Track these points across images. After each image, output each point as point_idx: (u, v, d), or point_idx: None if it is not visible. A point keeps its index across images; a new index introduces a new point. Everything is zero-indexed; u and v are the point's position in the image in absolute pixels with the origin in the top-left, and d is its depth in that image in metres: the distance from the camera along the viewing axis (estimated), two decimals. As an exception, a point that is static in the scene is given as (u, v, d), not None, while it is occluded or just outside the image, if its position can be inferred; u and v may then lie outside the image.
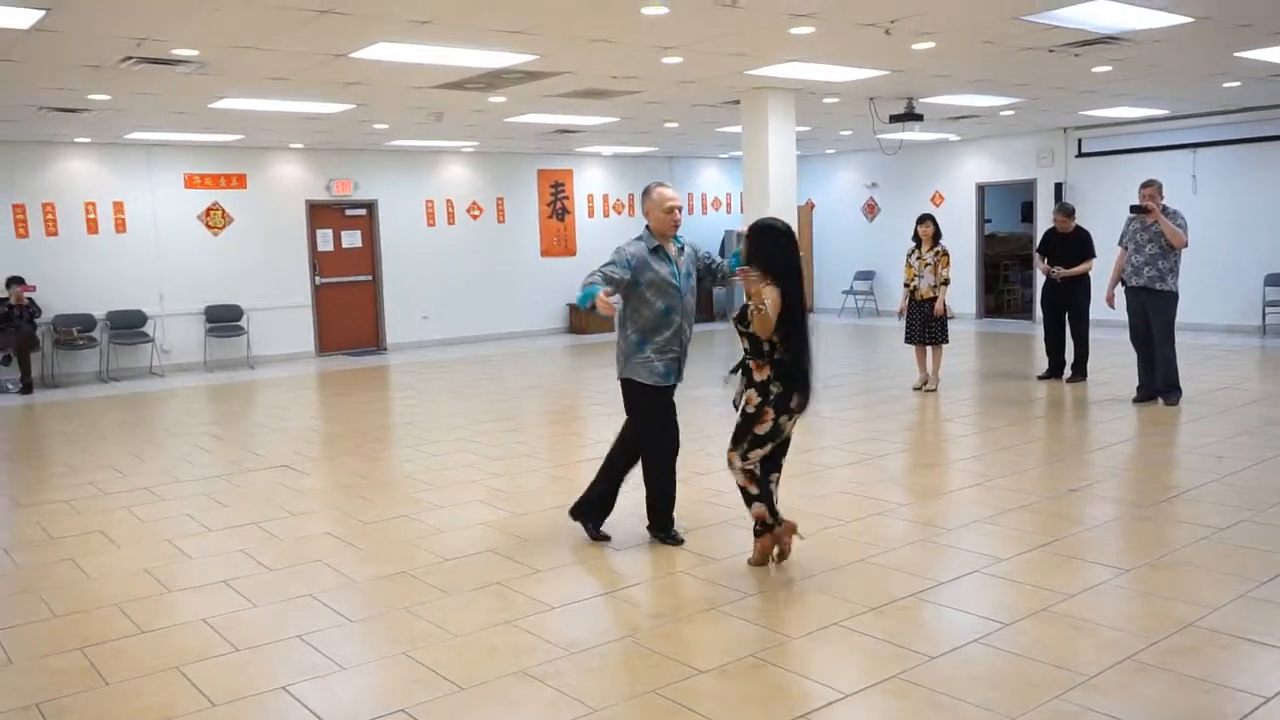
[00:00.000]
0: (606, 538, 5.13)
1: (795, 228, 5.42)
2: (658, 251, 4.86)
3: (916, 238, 9.42)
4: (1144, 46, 8.00)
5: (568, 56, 7.65)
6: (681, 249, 4.98)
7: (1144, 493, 5.84)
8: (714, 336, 14.63)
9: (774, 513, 4.61)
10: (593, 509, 5.19)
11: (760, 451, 4.52)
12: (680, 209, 4.93)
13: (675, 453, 5.04)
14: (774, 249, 4.44)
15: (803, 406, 4.46)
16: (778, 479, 4.69)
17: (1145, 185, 8.30)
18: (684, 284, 4.90)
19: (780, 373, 4.43)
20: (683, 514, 5.50)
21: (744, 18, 6.52)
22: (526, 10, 6.18)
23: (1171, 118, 13.27)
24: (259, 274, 13.55)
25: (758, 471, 4.56)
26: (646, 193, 4.97)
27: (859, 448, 7.14)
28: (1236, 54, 8.52)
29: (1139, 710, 3.21)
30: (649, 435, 5.01)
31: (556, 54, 7.53)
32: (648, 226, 4.95)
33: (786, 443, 4.66)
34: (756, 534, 4.65)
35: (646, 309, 4.85)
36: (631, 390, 4.97)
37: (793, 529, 4.65)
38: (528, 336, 15.85)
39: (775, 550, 4.68)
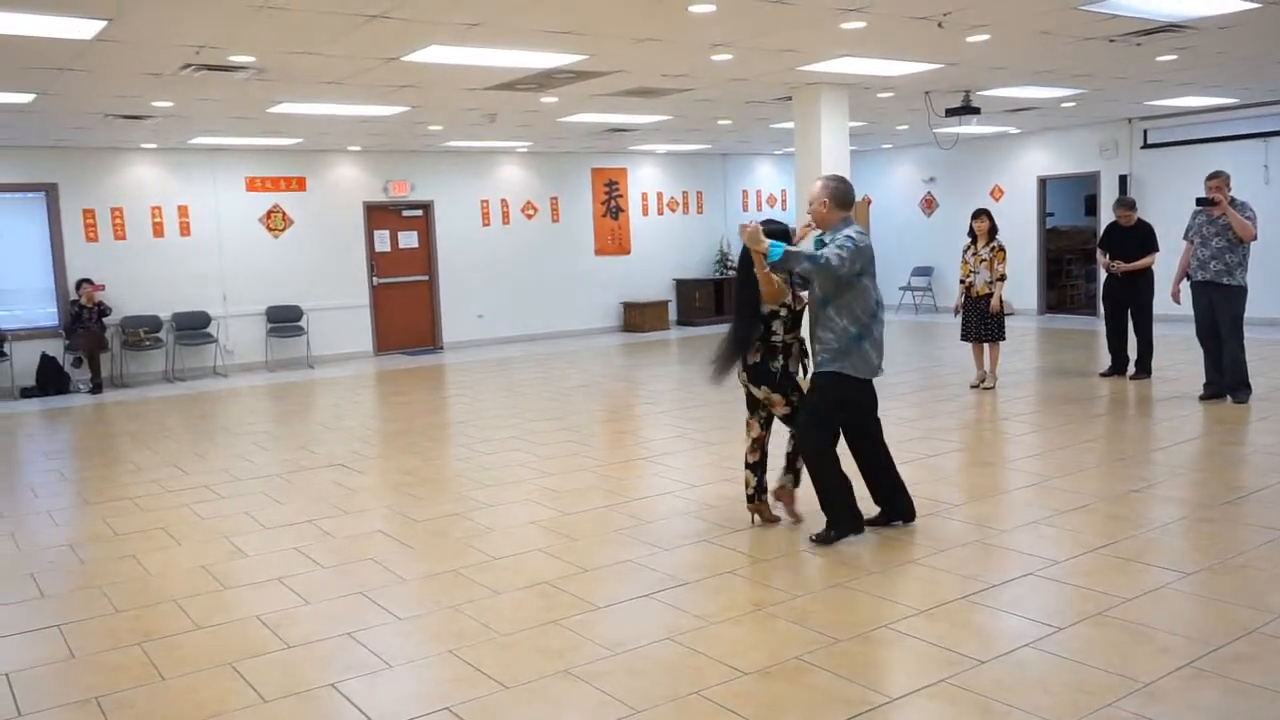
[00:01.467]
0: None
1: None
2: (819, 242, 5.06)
3: (972, 233, 9.27)
4: (1209, 34, 7.77)
5: (617, 56, 7.65)
6: (823, 241, 5.11)
7: (1208, 494, 5.67)
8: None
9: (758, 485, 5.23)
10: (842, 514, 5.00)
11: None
12: (811, 202, 5.13)
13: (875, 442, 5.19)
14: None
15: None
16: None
17: (1212, 177, 8.07)
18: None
19: (785, 352, 5.04)
20: (729, 513, 5.48)
21: (793, 14, 6.46)
22: (575, 11, 6.19)
23: (1241, 106, 12.86)
24: (318, 275, 13.78)
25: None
26: (843, 190, 5.08)
27: (913, 446, 7.04)
28: (1308, 39, 8.24)
29: (1195, 719, 3.12)
30: (822, 426, 4.96)
31: (606, 53, 7.54)
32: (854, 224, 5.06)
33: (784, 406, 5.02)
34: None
35: (866, 300, 4.89)
36: (839, 384, 4.89)
37: (779, 496, 5.24)
38: (582, 335, 15.90)
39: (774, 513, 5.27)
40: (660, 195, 16.99)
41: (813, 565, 4.74)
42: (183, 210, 12.84)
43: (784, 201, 18.19)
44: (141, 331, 12.39)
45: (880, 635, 3.86)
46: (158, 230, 12.69)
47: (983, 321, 9.18)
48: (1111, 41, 7.89)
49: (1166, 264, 9.20)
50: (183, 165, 12.81)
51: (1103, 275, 9.74)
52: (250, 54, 6.98)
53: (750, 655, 3.71)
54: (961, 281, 9.34)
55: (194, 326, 12.87)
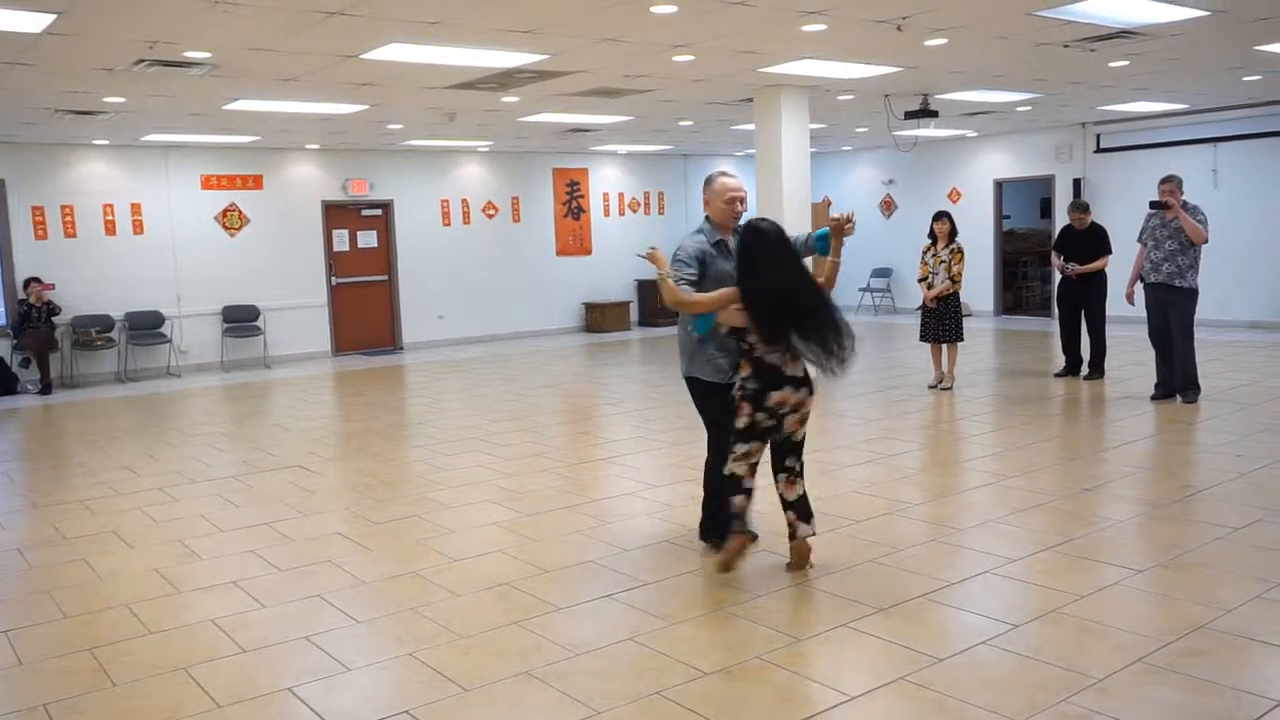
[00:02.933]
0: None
1: (810, 225, 5.23)
2: (720, 246, 4.62)
3: (932, 234, 9.36)
4: (1161, 40, 7.91)
5: (578, 56, 7.63)
6: None
7: (1160, 492, 5.77)
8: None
9: (732, 516, 4.44)
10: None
11: (744, 447, 4.40)
12: (743, 199, 4.65)
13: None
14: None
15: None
16: (785, 480, 4.54)
17: (1165, 181, 8.21)
18: None
19: (757, 368, 4.36)
20: (690, 513, 5.48)
21: (754, 15, 6.49)
22: (536, 10, 6.17)
23: (1192, 112, 13.11)
24: (275, 274, 13.62)
25: (740, 471, 4.41)
26: (708, 182, 4.70)
27: (872, 446, 7.10)
28: (1256, 47, 8.41)
29: (1148, 714, 3.17)
30: (712, 433, 4.75)
31: (567, 53, 7.52)
32: (707, 218, 4.69)
33: (792, 444, 4.52)
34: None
35: None
36: (695, 388, 4.74)
37: (740, 545, 4.45)
38: (544, 335, 15.86)
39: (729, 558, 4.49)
40: (622, 196, 16.99)
41: (771, 565, 4.75)
42: (135, 208, 12.62)
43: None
44: (93, 331, 12.17)
45: (839, 634, 3.88)
46: (110, 228, 12.46)
47: (941, 323, 9.28)
48: (1066, 47, 8.01)
49: (1119, 267, 9.35)
50: (136, 162, 12.59)
51: (1057, 277, 9.88)
52: (205, 50, 6.88)
53: (711, 655, 3.71)
54: (920, 280, 9.43)
55: (147, 326, 12.65)
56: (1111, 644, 3.68)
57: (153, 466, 7.33)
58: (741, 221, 4.64)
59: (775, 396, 4.34)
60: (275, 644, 3.96)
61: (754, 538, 4.54)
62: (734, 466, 4.43)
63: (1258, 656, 3.57)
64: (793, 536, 4.56)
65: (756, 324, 4.30)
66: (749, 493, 4.46)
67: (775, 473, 4.56)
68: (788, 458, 4.54)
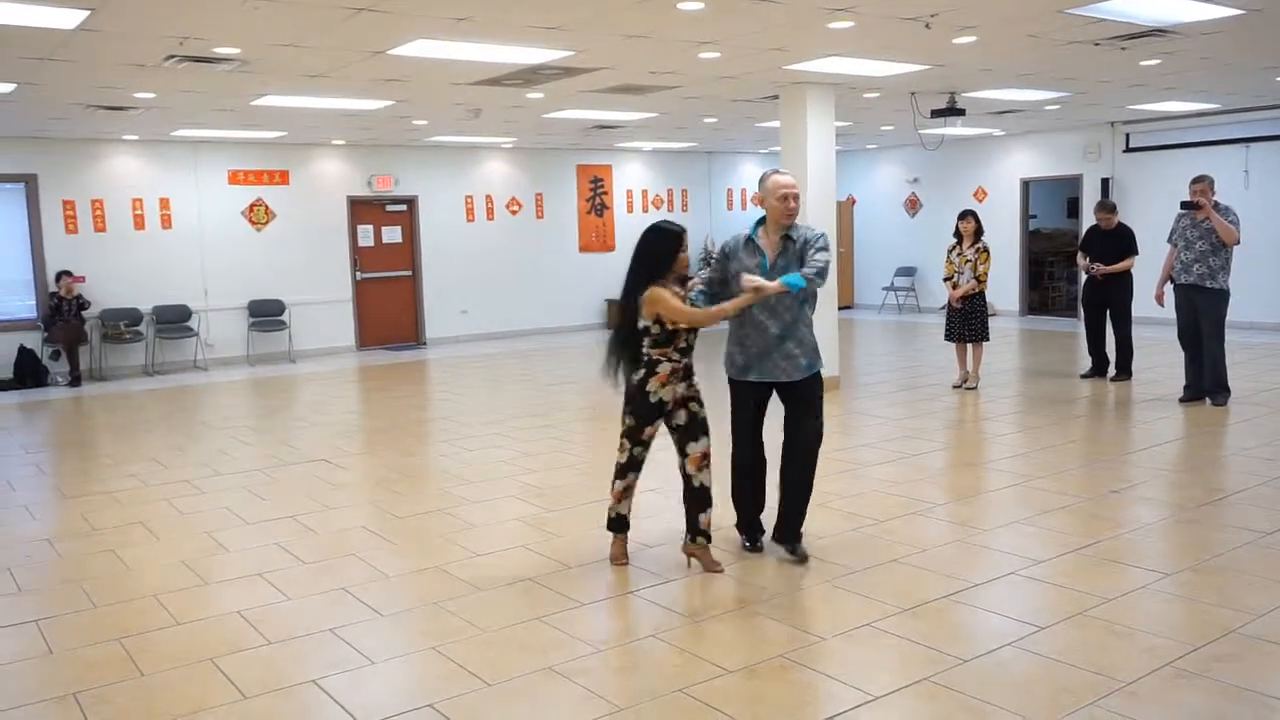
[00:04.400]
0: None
1: (836, 222, 5.37)
2: (751, 242, 4.65)
3: (958, 233, 9.30)
4: (1193, 39, 7.82)
5: (605, 52, 7.63)
6: (794, 241, 4.60)
7: (1188, 495, 5.71)
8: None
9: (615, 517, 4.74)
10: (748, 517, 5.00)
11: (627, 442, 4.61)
12: (796, 195, 4.62)
13: (744, 452, 4.87)
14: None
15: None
16: (686, 465, 4.65)
17: (1196, 181, 8.12)
18: (771, 277, 4.50)
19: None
20: (717, 510, 5.48)
21: (781, 12, 6.46)
22: (563, 7, 6.17)
23: (1223, 112, 12.96)
24: (301, 269, 13.70)
25: (622, 461, 4.65)
26: (762, 180, 4.70)
27: (896, 446, 7.06)
28: (1290, 46, 8.30)
29: (1176, 719, 3.13)
30: (733, 427, 4.87)
31: (593, 50, 7.51)
32: (764, 216, 4.69)
33: (681, 429, 4.62)
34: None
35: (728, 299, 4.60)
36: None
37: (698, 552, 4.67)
38: (566, 332, 15.88)
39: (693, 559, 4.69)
40: (645, 193, 16.98)
41: (795, 565, 4.74)
42: (164, 203, 12.73)
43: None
44: (121, 324, 12.28)
45: (863, 634, 3.87)
46: (139, 223, 12.58)
47: (966, 322, 9.22)
48: (1097, 45, 7.93)
49: (1146, 267, 9.26)
50: (164, 157, 12.70)
51: (1084, 277, 9.80)
52: (234, 46, 6.93)
53: (734, 653, 3.70)
54: (946, 280, 9.38)
55: (174, 320, 12.76)
56: (1139, 648, 3.65)
57: (179, 459, 7.40)
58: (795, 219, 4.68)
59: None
60: (300, 636, 3.99)
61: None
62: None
63: (1288, 662, 3.52)
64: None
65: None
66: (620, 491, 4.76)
67: (680, 466, 4.74)
68: (687, 442, 4.68)
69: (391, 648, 3.87)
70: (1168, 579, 4.35)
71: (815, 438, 4.70)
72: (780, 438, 4.74)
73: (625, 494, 4.71)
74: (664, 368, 4.49)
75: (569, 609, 4.19)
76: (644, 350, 4.49)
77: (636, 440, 4.60)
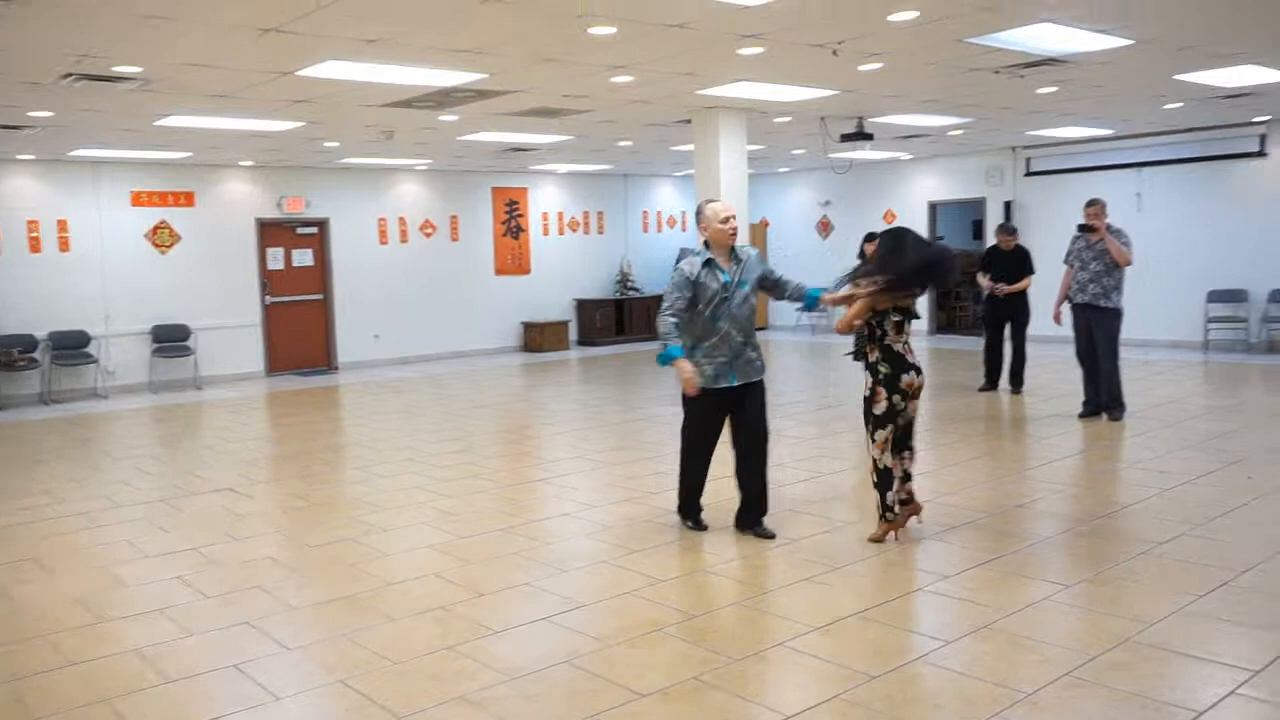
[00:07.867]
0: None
1: (750, 243, 5.97)
2: (710, 264, 5.15)
3: (863, 255, 9.50)
4: (1087, 68, 8.15)
5: (517, 75, 7.63)
6: (739, 258, 5.23)
7: (1086, 508, 5.91)
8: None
9: (885, 504, 5.18)
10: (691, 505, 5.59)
11: (883, 433, 5.09)
12: (734, 216, 5.21)
13: (707, 452, 5.42)
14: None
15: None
16: (910, 457, 5.22)
17: (1090, 204, 8.45)
18: (735, 293, 5.16)
19: (886, 354, 5.07)
20: (626, 533, 5.48)
21: (692, 38, 6.55)
22: (475, 30, 6.16)
23: (1117, 137, 13.52)
24: (208, 293, 13.34)
25: (883, 460, 5.12)
26: (699, 212, 5.25)
27: (808, 465, 7.16)
28: (1176, 76, 8.70)
29: (1076, 728, 3.23)
30: (687, 431, 5.44)
31: (506, 73, 7.51)
32: (705, 242, 5.22)
33: (909, 425, 5.18)
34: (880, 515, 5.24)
35: (697, 319, 5.17)
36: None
37: (911, 514, 5.28)
38: (481, 355, 15.75)
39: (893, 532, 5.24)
40: (561, 215, 16.99)
41: (710, 585, 4.77)
42: (62, 225, 12.29)
43: (684, 223, 18.36)
44: (15, 351, 11.78)
45: (775, 654, 3.90)
46: (34, 245, 12.11)
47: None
48: (996, 73, 8.21)
49: (1044, 287, 9.59)
50: (62, 178, 12.28)
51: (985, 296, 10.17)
52: (135, 65, 6.75)
53: (648, 676, 3.70)
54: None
55: (72, 346, 12.30)
56: (1040, 658, 3.75)
57: (77, 491, 7.12)
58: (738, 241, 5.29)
59: (905, 379, 5.07)
60: (202, 673, 3.86)
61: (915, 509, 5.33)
62: (883, 458, 5.14)
63: (1179, 668, 3.66)
64: (909, 502, 5.25)
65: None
66: (885, 483, 5.19)
67: (897, 452, 5.17)
68: (908, 439, 5.23)
69: (298, 682, 3.77)
70: (1067, 590, 4.49)
71: (767, 429, 5.40)
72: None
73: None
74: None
75: (482, 637, 4.14)
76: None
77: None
